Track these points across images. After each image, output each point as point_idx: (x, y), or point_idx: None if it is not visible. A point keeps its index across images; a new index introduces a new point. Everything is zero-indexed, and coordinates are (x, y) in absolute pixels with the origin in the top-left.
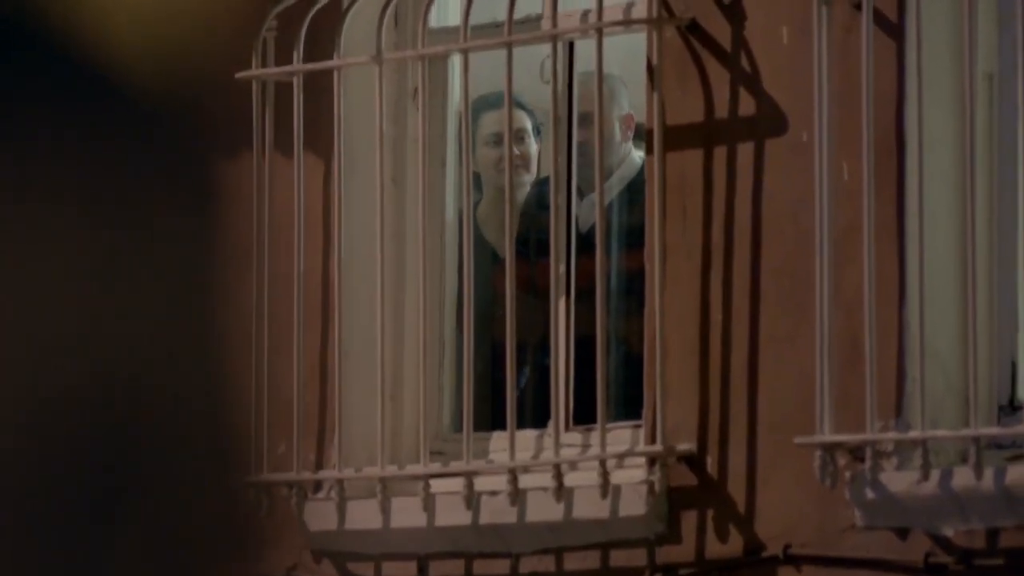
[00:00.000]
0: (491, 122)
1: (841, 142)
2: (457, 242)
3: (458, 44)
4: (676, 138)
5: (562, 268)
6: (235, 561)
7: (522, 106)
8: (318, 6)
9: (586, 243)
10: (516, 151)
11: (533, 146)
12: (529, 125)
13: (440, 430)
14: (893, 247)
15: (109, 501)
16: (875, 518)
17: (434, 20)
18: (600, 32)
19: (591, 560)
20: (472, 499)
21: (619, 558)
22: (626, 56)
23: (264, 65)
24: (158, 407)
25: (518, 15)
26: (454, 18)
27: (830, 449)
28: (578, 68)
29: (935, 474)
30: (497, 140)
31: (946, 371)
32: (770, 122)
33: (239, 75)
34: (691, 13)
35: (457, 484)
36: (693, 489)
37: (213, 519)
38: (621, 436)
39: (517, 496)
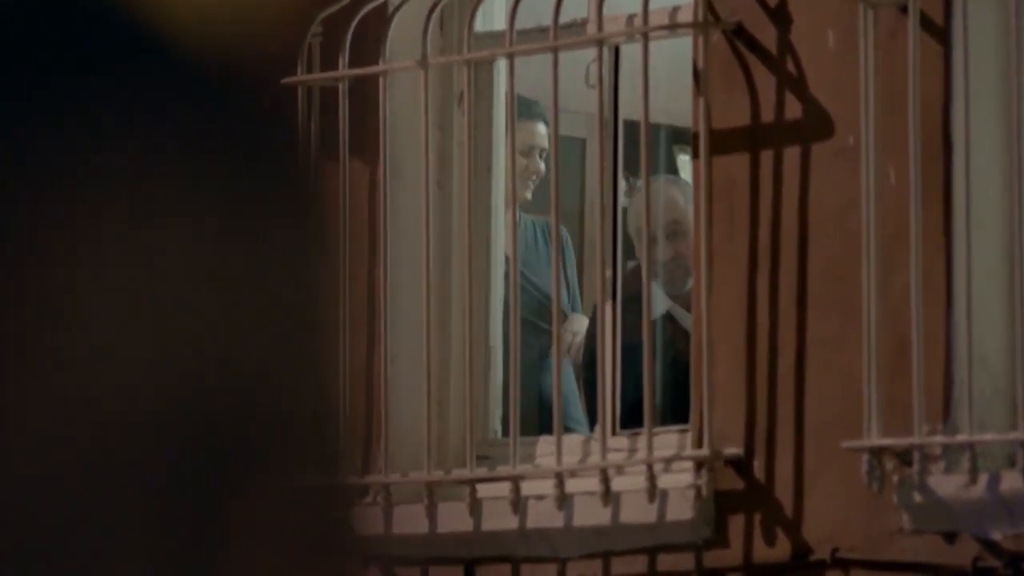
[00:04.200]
0: (520, 134)
1: (888, 146)
2: (503, 247)
3: (504, 48)
4: (722, 142)
5: (608, 272)
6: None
7: (545, 121)
8: (363, 11)
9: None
10: (536, 168)
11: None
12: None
13: (486, 434)
14: (940, 251)
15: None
16: (923, 522)
17: (479, 24)
18: (646, 36)
19: (638, 564)
20: (519, 503)
21: (666, 562)
22: (672, 60)
23: (310, 70)
24: (265, 409)
25: (563, 19)
26: (499, 22)
27: (877, 453)
28: (623, 73)
29: (983, 478)
30: (527, 151)
31: (993, 375)
32: (816, 126)
33: (285, 80)
34: (737, 17)
35: (504, 488)
36: (740, 493)
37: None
38: (668, 440)
39: (564, 500)
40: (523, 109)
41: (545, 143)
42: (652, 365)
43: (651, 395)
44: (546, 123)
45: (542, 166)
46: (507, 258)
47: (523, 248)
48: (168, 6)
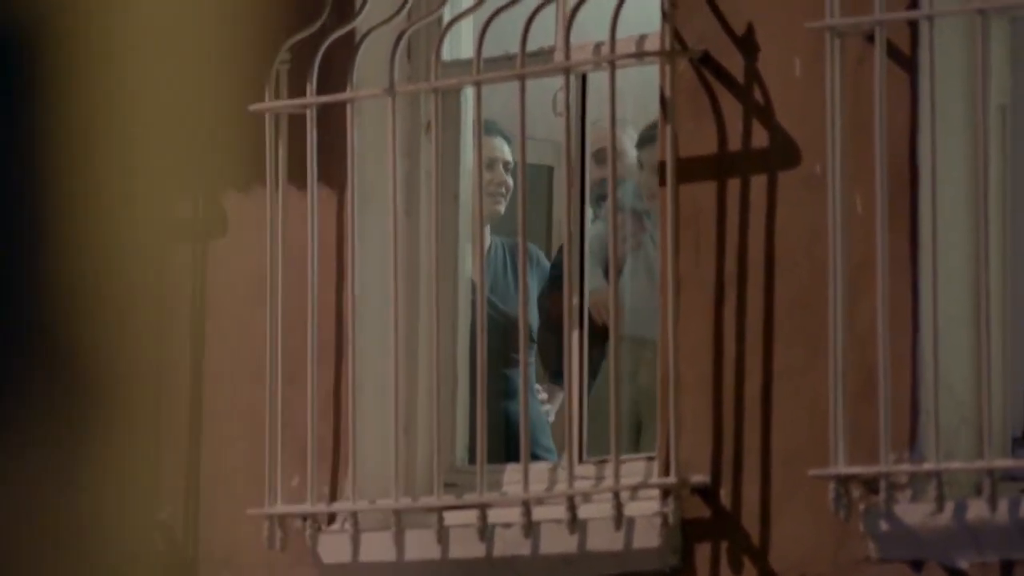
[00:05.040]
0: (486, 148)
1: (854, 174)
2: (471, 273)
3: (471, 77)
4: (689, 170)
5: (575, 300)
6: None
7: (505, 137)
8: (331, 38)
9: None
10: (500, 179)
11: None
12: (510, 156)
13: (454, 462)
14: (907, 279)
15: None
16: (890, 550)
17: (447, 53)
18: (613, 65)
19: None
20: (486, 531)
21: None
22: (639, 89)
23: (277, 97)
24: None
25: (531, 47)
26: (467, 51)
27: (844, 481)
28: (590, 101)
29: (949, 506)
30: (489, 165)
31: (960, 403)
32: (783, 154)
33: (252, 107)
34: (704, 45)
35: (471, 516)
36: (707, 521)
37: None
38: (635, 468)
39: (531, 528)
40: (489, 127)
41: (507, 156)
42: (618, 393)
43: (617, 423)
44: (505, 138)
45: (509, 179)
46: (474, 285)
47: (491, 274)
48: None
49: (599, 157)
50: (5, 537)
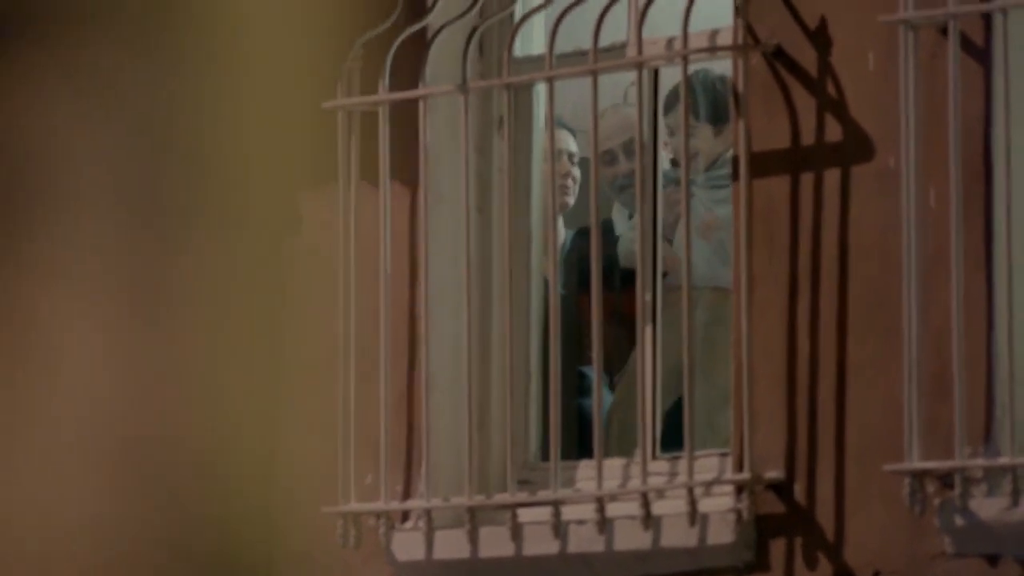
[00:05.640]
0: (562, 139)
1: (928, 168)
2: (543, 271)
3: (543, 72)
4: (762, 165)
5: (648, 296)
6: None
7: (569, 129)
8: (403, 35)
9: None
10: (566, 170)
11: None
12: (575, 148)
13: (527, 459)
14: (981, 273)
15: None
16: (965, 545)
17: (519, 49)
18: (685, 59)
19: None
20: (560, 528)
21: None
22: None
23: (350, 95)
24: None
25: (603, 43)
26: (539, 47)
27: (919, 476)
28: (663, 95)
29: None
30: (556, 157)
31: None
32: (857, 148)
33: (325, 105)
34: (776, 39)
35: (545, 513)
36: (781, 517)
37: None
38: (709, 464)
39: (605, 525)
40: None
41: (572, 147)
42: (692, 388)
43: (691, 418)
44: (569, 130)
45: (576, 170)
46: (547, 280)
47: (565, 270)
48: None
49: (606, 159)
50: None
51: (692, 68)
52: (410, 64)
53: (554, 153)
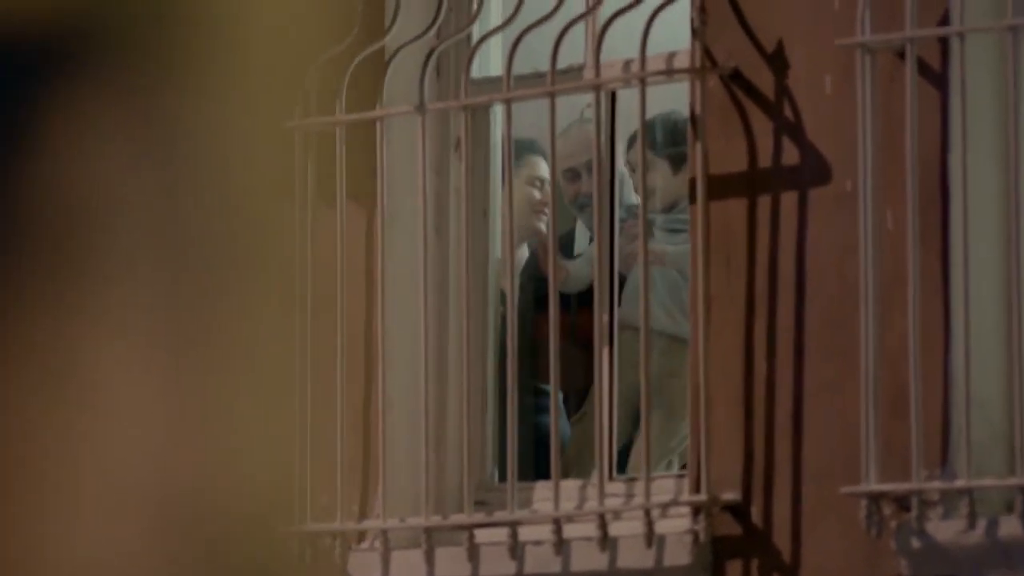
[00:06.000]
0: (524, 169)
1: (885, 191)
2: (499, 292)
3: (501, 94)
4: (719, 188)
5: (605, 317)
6: None
7: (543, 155)
8: (360, 56)
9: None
10: (547, 199)
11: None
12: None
13: (484, 480)
14: (938, 296)
15: None
16: (921, 567)
17: (476, 70)
18: (643, 82)
19: None
20: (517, 549)
21: None
22: (669, 104)
23: (306, 115)
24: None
25: (560, 65)
26: (496, 68)
27: (876, 498)
28: (619, 117)
29: (981, 523)
30: (535, 183)
31: (991, 419)
32: (814, 171)
33: (282, 125)
34: (734, 62)
35: (501, 534)
36: (738, 539)
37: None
38: (665, 485)
39: (561, 546)
40: (525, 145)
41: (545, 173)
42: (649, 409)
43: (647, 440)
44: (542, 155)
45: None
46: (504, 300)
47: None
48: None
49: (568, 176)
50: None
51: (655, 112)
52: (368, 85)
53: (511, 174)
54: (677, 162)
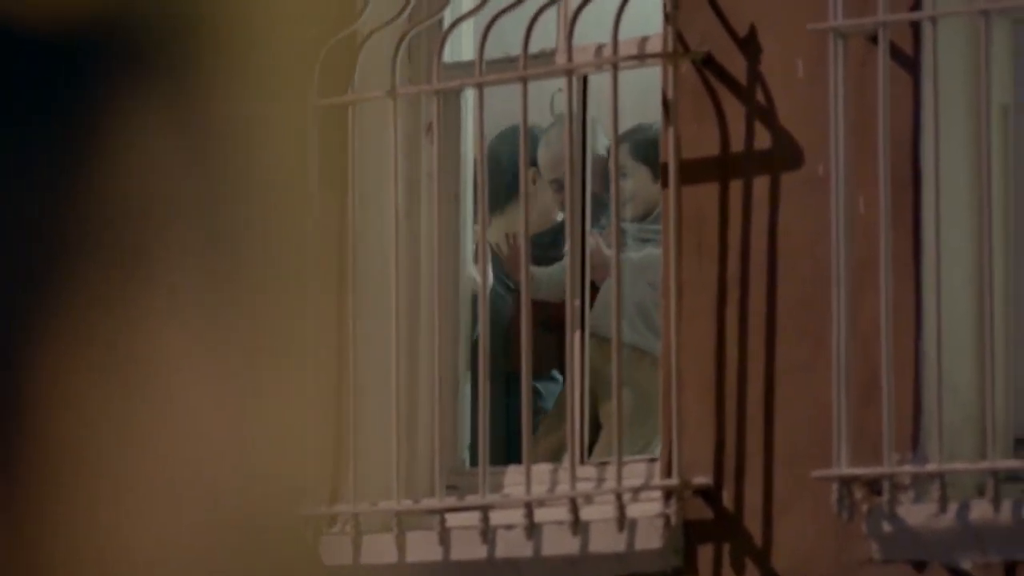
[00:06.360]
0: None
1: (857, 175)
2: (472, 277)
3: (473, 79)
4: (692, 172)
5: (577, 302)
6: None
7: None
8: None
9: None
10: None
11: None
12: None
13: (455, 464)
14: (910, 280)
15: None
16: (893, 551)
17: (448, 55)
18: (615, 66)
19: None
20: (488, 533)
21: None
22: (641, 90)
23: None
24: None
25: (532, 49)
26: (468, 53)
27: (847, 482)
28: (591, 102)
29: (952, 507)
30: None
31: (963, 404)
32: (786, 156)
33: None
34: (706, 47)
35: (473, 518)
36: (709, 523)
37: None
38: (637, 469)
39: (533, 530)
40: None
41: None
42: (620, 394)
43: (620, 424)
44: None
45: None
46: (476, 286)
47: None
48: None
49: (556, 187)
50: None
51: (632, 123)
52: (339, 69)
53: (484, 158)
54: (657, 171)
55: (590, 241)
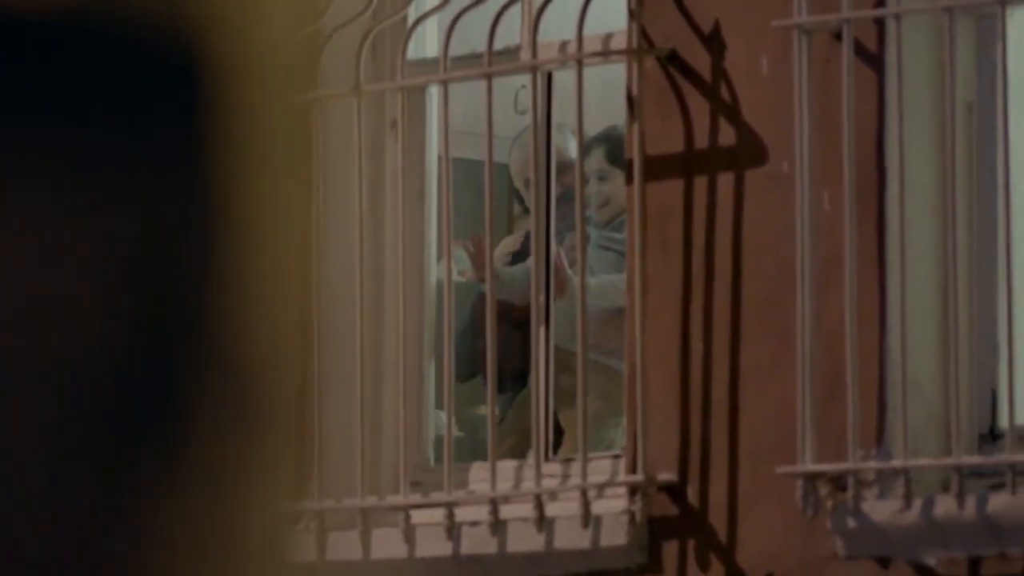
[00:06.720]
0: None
1: (822, 172)
2: (437, 273)
3: (437, 75)
4: (656, 168)
5: (541, 298)
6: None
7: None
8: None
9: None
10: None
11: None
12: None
13: (420, 461)
14: (874, 277)
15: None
16: (857, 547)
17: (412, 51)
18: (580, 63)
19: None
20: (453, 530)
21: None
22: (605, 86)
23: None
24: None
25: (497, 46)
26: (432, 49)
27: (812, 478)
28: (555, 100)
29: (917, 503)
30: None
31: (927, 400)
32: (750, 152)
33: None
34: (671, 43)
35: (438, 515)
36: (674, 519)
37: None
38: (602, 466)
39: (498, 526)
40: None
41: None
42: (585, 391)
43: (585, 422)
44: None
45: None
46: (441, 284)
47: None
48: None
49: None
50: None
51: (599, 125)
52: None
53: (449, 155)
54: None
55: (553, 251)
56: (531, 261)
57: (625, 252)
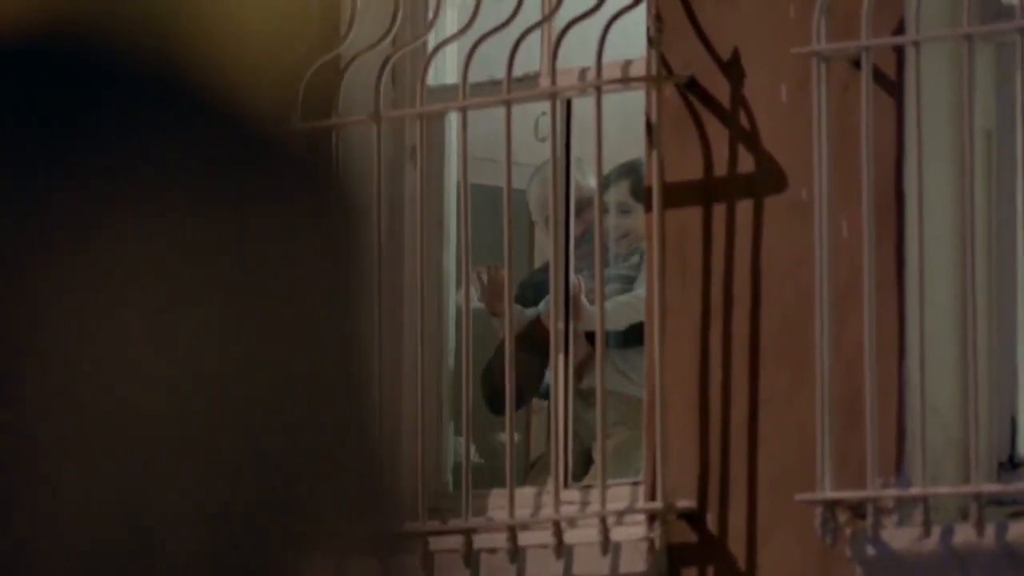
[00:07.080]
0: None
1: (840, 199)
2: (455, 300)
3: (456, 102)
4: (675, 195)
5: (560, 324)
6: None
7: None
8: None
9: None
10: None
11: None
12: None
13: (438, 487)
14: (893, 304)
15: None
16: (876, 575)
17: (432, 78)
18: (599, 90)
19: None
20: (471, 557)
21: None
22: (624, 114)
23: None
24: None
25: (516, 73)
26: (452, 76)
27: (831, 506)
28: (574, 125)
29: (936, 531)
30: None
31: (946, 427)
32: (769, 179)
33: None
34: (690, 71)
35: (456, 541)
36: (693, 546)
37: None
38: (621, 493)
39: (516, 553)
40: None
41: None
42: (604, 417)
43: (603, 449)
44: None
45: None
46: (460, 310)
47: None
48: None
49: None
50: None
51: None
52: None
53: (467, 182)
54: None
55: (572, 282)
56: (550, 288)
57: (635, 278)
